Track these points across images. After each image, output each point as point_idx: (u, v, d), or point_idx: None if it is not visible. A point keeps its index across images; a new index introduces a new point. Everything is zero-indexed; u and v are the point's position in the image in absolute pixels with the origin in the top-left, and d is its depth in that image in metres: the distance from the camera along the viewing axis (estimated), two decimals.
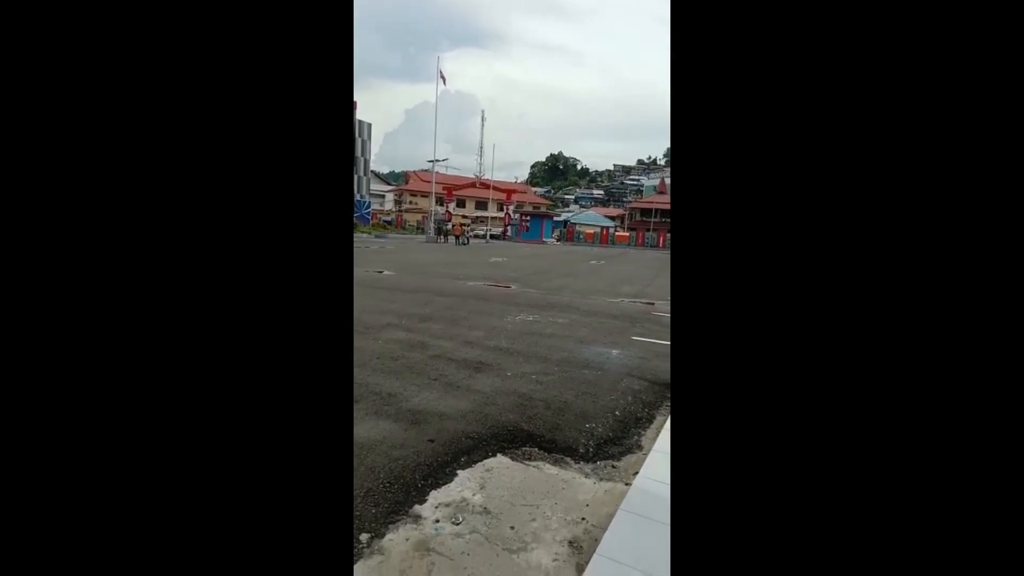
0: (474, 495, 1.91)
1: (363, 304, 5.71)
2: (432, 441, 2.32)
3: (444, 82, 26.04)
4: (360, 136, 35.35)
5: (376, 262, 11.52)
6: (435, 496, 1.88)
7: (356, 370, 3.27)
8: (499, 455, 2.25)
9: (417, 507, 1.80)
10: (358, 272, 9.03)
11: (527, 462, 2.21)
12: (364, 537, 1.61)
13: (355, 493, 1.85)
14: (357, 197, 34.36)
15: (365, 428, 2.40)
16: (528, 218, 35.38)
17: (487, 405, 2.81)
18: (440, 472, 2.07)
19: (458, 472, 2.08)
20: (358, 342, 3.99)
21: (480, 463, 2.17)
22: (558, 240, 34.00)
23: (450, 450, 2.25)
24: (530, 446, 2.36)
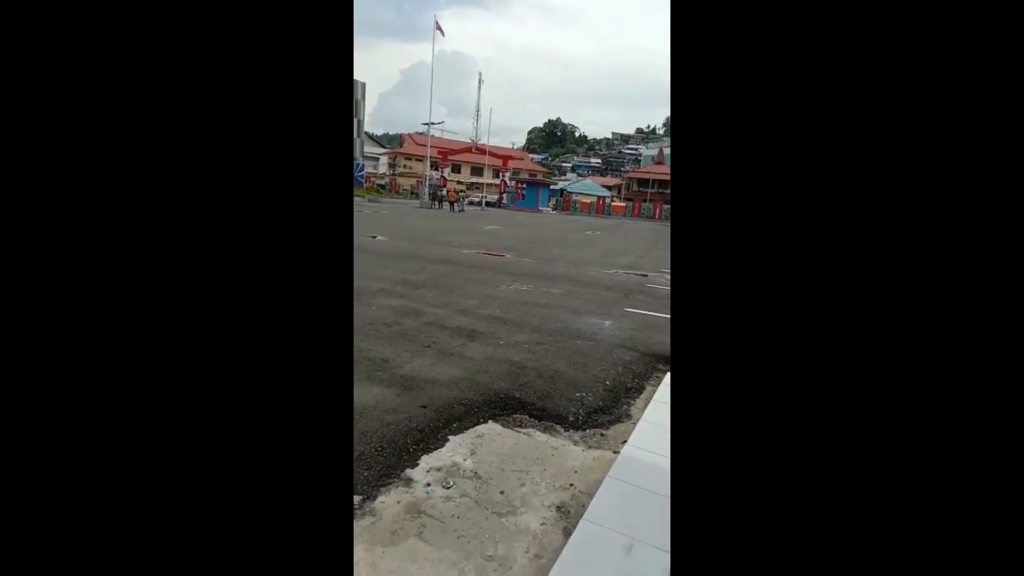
0: (465, 460, 1.94)
1: (357, 270, 5.66)
2: (424, 407, 2.34)
3: (443, 34, 25.13)
4: (354, 97, 34.28)
5: (370, 227, 11.38)
6: (426, 461, 1.91)
7: None
8: (490, 422, 2.28)
9: (409, 471, 1.83)
10: None
11: (518, 429, 2.25)
12: (356, 499, 1.64)
13: None
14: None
15: (359, 393, 2.42)
16: (524, 186, 34.91)
17: (479, 373, 2.84)
18: (432, 437, 2.09)
19: (450, 438, 2.11)
20: None
21: (471, 429, 2.20)
22: (554, 209, 33.70)
23: (442, 416, 2.28)
24: (521, 413, 2.39)
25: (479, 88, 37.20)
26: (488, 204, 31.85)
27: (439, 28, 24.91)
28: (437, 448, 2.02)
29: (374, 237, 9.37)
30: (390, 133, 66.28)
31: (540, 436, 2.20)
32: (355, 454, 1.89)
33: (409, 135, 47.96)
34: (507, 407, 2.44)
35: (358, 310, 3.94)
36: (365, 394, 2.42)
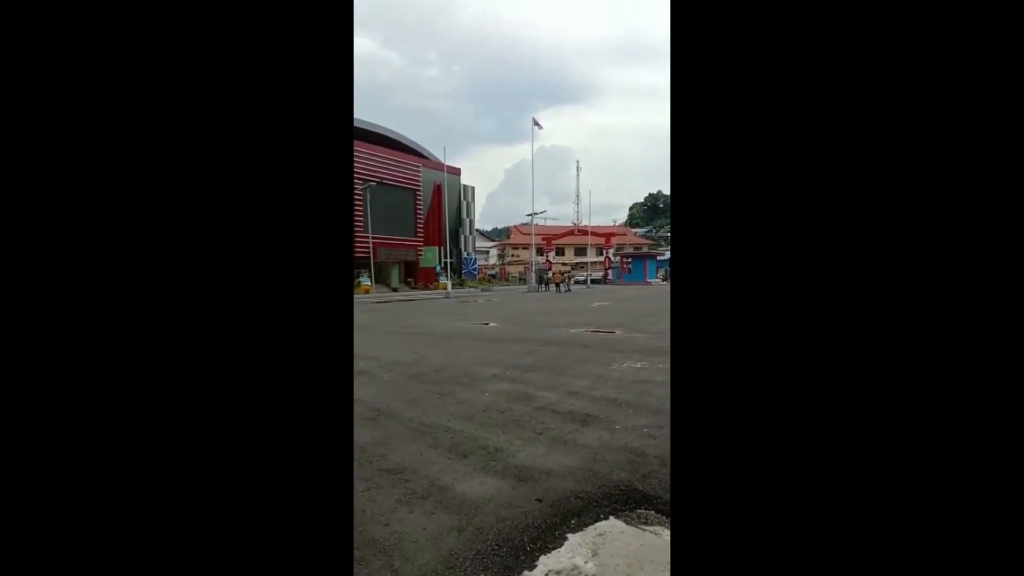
0: (586, 563, 1.78)
1: (470, 356, 5.91)
2: (540, 501, 2.24)
3: (540, 127, 27.46)
4: (465, 200, 38.21)
5: (482, 315, 11.97)
6: (544, 562, 1.79)
7: (464, 423, 3.34)
8: (612, 518, 2.09)
9: (527, 573, 1.72)
10: (465, 325, 9.43)
11: (643, 527, 2.02)
12: None
13: (466, 555, 1.83)
14: (464, 255, 36.72)
15: (474, 485, 2.41)
16: (629, 260, 34.60)
17: (596, 462, 2.67)
18: (549, 535, 1.97)
19: (568, 536, 1.96)
20: (466, 395, 4.10)
21: (591, 526, 2.03)
22: (664, 280, 32.55)
23: (559, 511, 2.15)
24: (646, 508, 2.16)
25: (578, 175, 39.40)
26: (594, 281, 31.97)
27: (536, 124, 27.36)
28: (555, 548, 1.88)
29: (486, 324, 9.80)
30: (498, 227, 71.97)
31: (670, 536, 1.95)
32: (472, 552, 1.84)
33: (515, 227, 51.40)
34: (629, 501, 2.23)
35: (472, 397, 4.04)
36: (480, 486, 2.40)
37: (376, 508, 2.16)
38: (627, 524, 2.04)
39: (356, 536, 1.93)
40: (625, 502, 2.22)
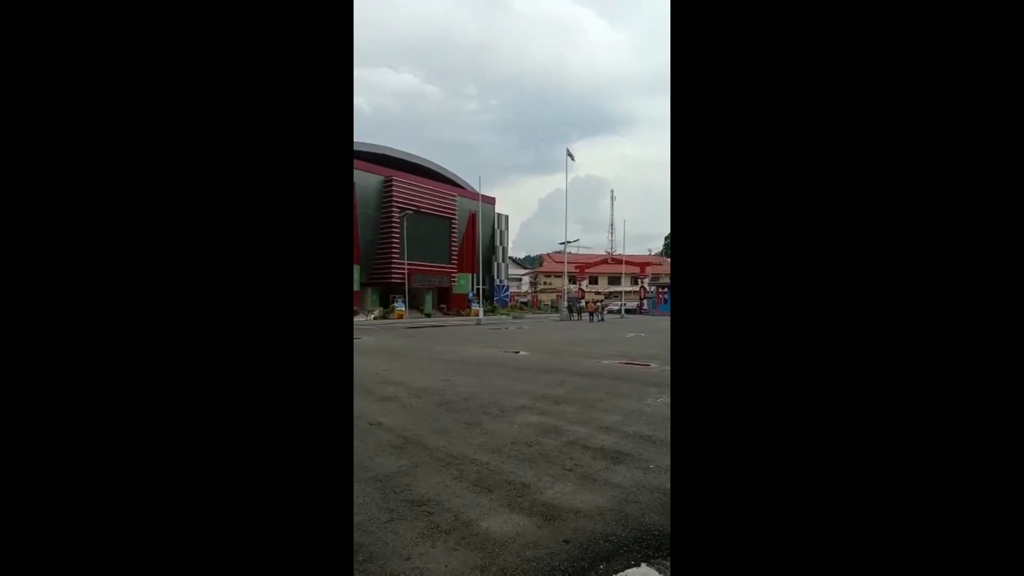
0: None
1: (499, 385, 5.85)
2: (567, 542, 2.14)
3: (572, 159, 27.81)
4: (499, 228, 38.78)
5: (513, 342, 11.91)
6: None
7: (491, 456, 3.27)
8: (644, 565, 1.96)
9: None
10: (495, 353, 9.39)
11: None
12: None
13: None
14: (497, 282, 37.01)
15: (499, 521, 2.33)
16: (665, 290, 33.89)
17: (627, 503, 2.54)
18: None
19: None
20: (494, 425, 4.04)
21: (621, 573, 1.91)
22: None
23: (587, 554, 2.04)
24: None
25: (612, 204, 39.44)
26: (628, 311, 31.40)
27: (570, 155, 27.73)
28: None
29: (516, 352, 9.73)
30: (531, 255, 72.31)
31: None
32: None
33: (548, 255, 51.56)
34: (662, 548, 2.09)
35: (500, 428, 3.97)
36: (505, 523, 2.32)
37: (398, 541, 2.12)
38: (660, 573, 1.91)
39: (376, 570, 1.88)
40: (658, 548, 2.08)
